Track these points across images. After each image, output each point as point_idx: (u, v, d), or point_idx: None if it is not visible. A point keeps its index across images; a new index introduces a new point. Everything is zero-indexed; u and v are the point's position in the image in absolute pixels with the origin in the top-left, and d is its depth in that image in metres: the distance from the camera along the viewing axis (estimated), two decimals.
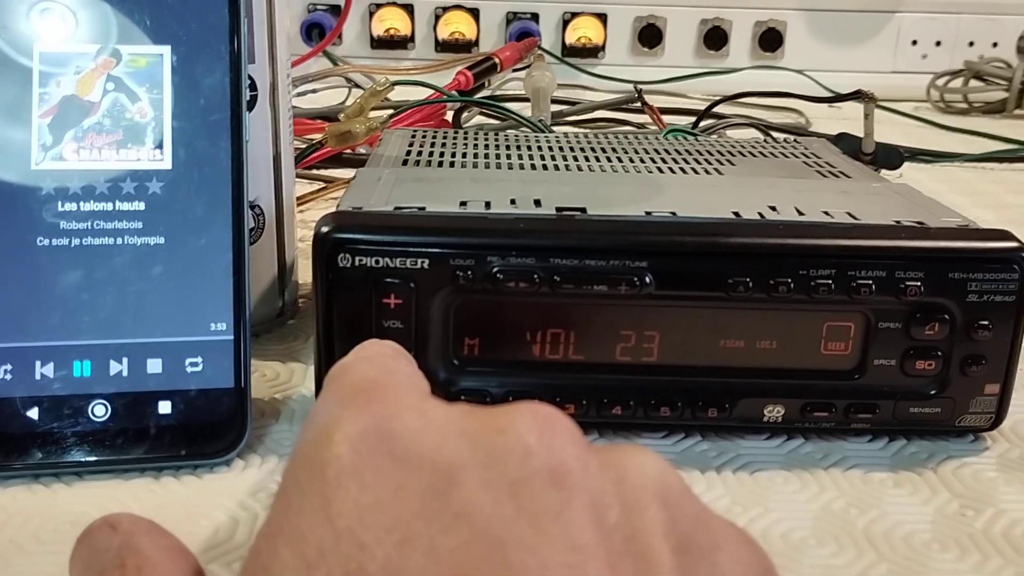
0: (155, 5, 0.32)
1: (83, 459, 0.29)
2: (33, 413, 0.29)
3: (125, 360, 0.30)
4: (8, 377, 0.29)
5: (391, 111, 0.56)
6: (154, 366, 0.30)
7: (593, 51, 1.01)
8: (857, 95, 0.58)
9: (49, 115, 0.31)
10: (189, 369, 0.30)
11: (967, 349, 0.32)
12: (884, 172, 0.65)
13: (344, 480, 0.17)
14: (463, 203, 0.34)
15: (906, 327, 0.32)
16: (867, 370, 0.32)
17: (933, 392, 0.33)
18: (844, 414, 0.33)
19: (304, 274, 0.44)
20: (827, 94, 0.97)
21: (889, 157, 0.64)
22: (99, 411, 0.29)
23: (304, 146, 0.54)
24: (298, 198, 0.53)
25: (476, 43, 0.99)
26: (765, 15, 1.02)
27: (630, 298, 0.31)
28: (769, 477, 0.31)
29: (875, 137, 0.61)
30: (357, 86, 0.82)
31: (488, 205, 0.34)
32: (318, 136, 0.60)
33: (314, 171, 0.61)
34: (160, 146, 0.31)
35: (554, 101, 0.67)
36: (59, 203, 0.30)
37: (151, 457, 0.29)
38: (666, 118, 0.76)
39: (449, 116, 0.65)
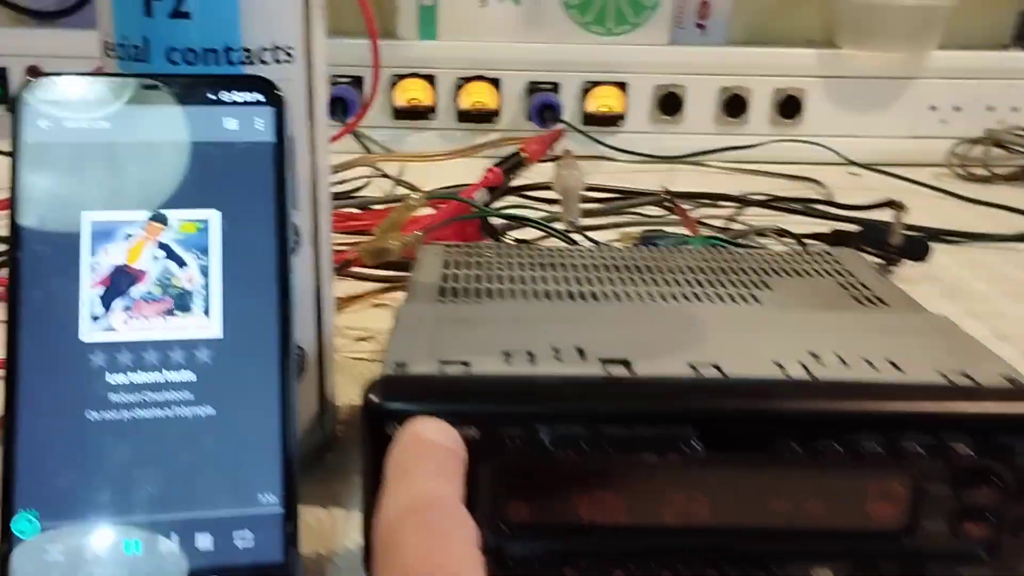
0: (203, 168, 0.32)
1: None
2: None
3: (175, 536, 0.30)
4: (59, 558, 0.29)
5: (421, 231, 0.55)
6: (203, 541, 0.30)
7: (613, 119, 1.01)
8: (888, 204, 0.58)
9: (99, 285, 0.31)
10: (239, 544, 0.30)
11: (1019, 511, 0.32)
12: (911, 263, 0.65)
13: None
14: (507, 355, 0.34)
15: (955, 489, 0.32)
16: (916, 532, 0.32)
17: (984, 555, 0.32)
18: None
19: (341, 393, 0.44)
20: (844, 162, 0.98)
21: (915, 248, 0.64)
22: None
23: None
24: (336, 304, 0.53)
25: (498, 113, 1.00)
26: (784, 83, 1.02)
27: (679, 463, 0.31)
28: None
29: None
30: (385, 175, 0.82)
31: (532, 357, 0.34)
32: (348, 237, 0.61)
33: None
34: (208, 313, 0.31)
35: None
36: (108, 375, 0.30)
37: None
38: (691, 206, 0.76)
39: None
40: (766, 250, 0.51)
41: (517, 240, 0.61)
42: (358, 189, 0.81)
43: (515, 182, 0.71)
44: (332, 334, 0.41)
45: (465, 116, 1.00)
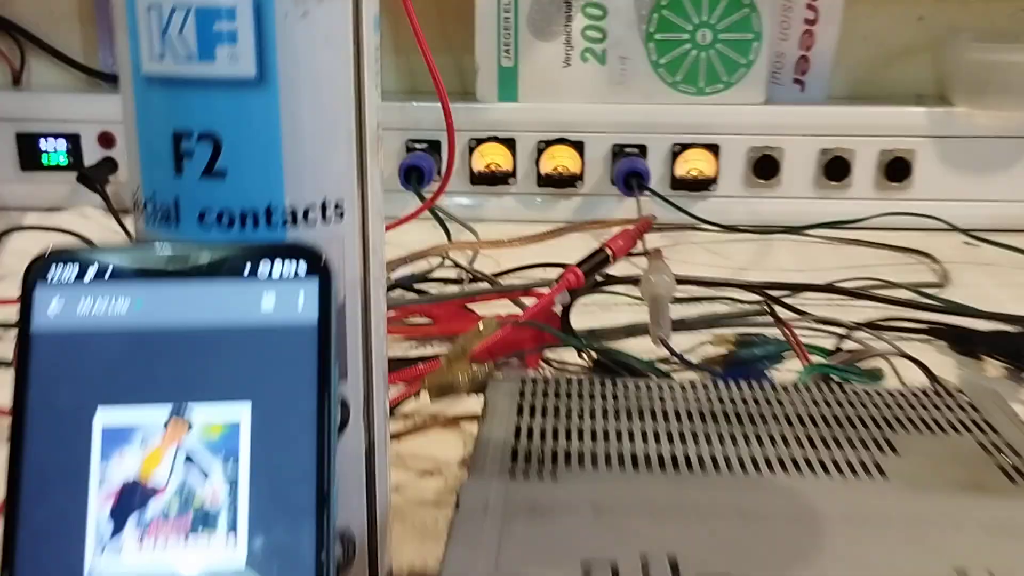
0: (235, 357, 0.28)
1: None
2: None
3: None
4: None
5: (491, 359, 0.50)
6: None
7: (704, 183, 0.95)
8: None
9: (109, 502, 0.27)
10: None
11: None
12: None
13: None
14: (587, 572, 0.29)
15: None
16: None
17: None
18: None
19: (401, 551, 0.39)
20: (956, 230, 0.90)
21: None
22: None
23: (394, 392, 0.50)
24: (393, 434, 0.48)
25: (581, 177, 0.95)
26: (891, 144, 0.94)
27: None
28: None
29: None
30: (457, 264, 0.78)
31: (616, 573, 0.29)
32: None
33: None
34: (235, 531, 0.27)
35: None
36: None
37: None
38: (789, 292, 0.69)
39: (559, 308, 0.60)
40: (887, 390, 0.44)
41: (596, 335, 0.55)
42: (430, 271, 0.77)
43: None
44: (388, 514, 0.36)
45: (546, 181, 0.95)
